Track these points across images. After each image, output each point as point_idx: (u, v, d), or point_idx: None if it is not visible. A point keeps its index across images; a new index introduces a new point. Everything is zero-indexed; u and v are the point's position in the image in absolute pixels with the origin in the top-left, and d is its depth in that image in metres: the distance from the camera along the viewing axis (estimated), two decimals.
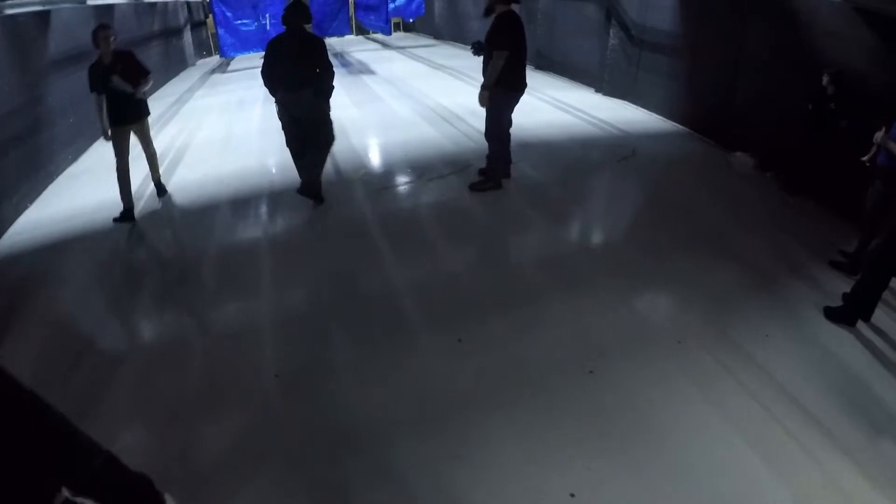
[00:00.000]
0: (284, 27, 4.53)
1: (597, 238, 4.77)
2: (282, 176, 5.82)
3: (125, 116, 4.82)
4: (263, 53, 4.57)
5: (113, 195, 5.12)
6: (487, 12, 4.65)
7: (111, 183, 5.11)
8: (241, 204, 5.38)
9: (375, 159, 6.34)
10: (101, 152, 7.56)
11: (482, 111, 5.00)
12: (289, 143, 4.84)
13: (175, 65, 14.54)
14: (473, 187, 5.21)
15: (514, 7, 4.62)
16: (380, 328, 3.37)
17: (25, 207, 5.78)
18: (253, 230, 4.96)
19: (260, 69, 4.59)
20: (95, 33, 4.60)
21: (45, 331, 3.57)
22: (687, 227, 4.55)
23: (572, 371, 2.88)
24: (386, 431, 2.54)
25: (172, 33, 14.61)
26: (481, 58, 4.85)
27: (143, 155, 5.33)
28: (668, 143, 6.76)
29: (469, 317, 3.41)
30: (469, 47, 5.25)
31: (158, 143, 7.28)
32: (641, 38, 7.88)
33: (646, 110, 7.96)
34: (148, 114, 5.07)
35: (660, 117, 7.65)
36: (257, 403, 2.80)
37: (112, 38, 4.59)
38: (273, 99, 4.71)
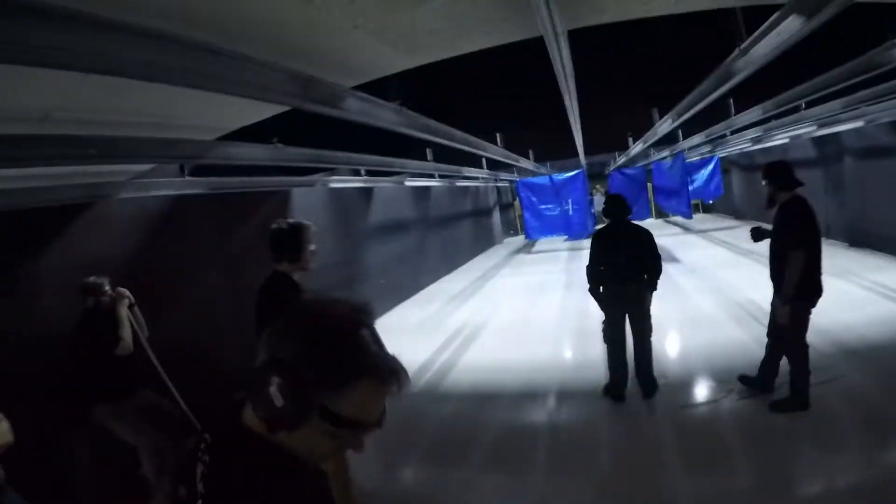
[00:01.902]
0: (608, 220, 4.51)
1: None
2: (574, 372, 5.32)
3: None
4: (590, 247, 4.50)
5: (408, 359, 5.46)
6: (770, 203, 3.89)
7: (410, 345, 5.56)
8: (526, 397, 4.89)
9: (676, 365, 5.34)
10: (406, 314, 8.49)
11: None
12: (609, 337, 4.51)
13: (484, 242, 16.33)
14: (776, 406, 3.94)
15: (800, 191, 3.80)
16: None
17: None
18: (532, 429, 4.35)
19: (586, 265, 4.48)
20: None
21: None
22: None
23: None
24: None
25: (483, 213, 16.65)
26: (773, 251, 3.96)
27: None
28: None
29: None
30: None
31: (456, 318, 7.91)
32: None
33: None
34: None
35: None
36: None
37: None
38: (588, 288, 4.52)
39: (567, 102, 3.59)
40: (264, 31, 1.99)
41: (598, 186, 20.83)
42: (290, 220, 2.89)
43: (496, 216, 18.17)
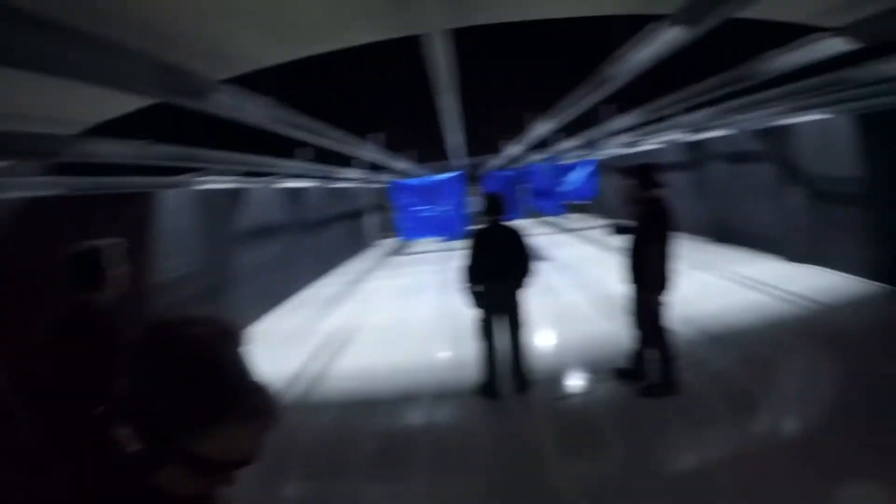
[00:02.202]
0: (485, 220, 4.59)
1: (798, 450, 3.33)
2: (450, 373, 5.33)
3: None
4: (470, 245, 4.53)
5: (279, 368, 5.55)
6: (633, 202, 4.22)
7: (281, 354, 5.58)
8: (401, 402, 4.87)
9: (549, 360, 5.44)
10: (277, 322, 8.14)
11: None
12: (483, 335, 4.62)
13: (358, 244, 16.16)
14: (647, 392, 4.33)
15: (660, 192, 4.17)
16: None
17: None
18: (411, 433, 4.36)
19: (462, 264, 4.53)
20: None
21: None
22: None
23: None
24: None
25: (357, 214, 16.48)
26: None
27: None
28: (872, 309, 5.86)
29: None
30: None
31: (329, 324, 7.71)
32: (825, 191, 7.13)
33: (843, 273, 6.97)
34: None
35: (859, 279, 6.67)
36: None
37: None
38: (463, 286, 4.58)
39: (445, 103, 3.65)
40: (128, 16, 1.81)
41: (474, 188, 21.58)
42: (87, 243, 2.52)
43: (372, 217, 18.08)
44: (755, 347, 5.15)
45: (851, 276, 6.83)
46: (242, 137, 4.48)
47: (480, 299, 4.52)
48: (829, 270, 7.26)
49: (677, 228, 4.17)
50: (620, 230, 4.45)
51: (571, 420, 4.17)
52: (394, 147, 6.49)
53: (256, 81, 3.00)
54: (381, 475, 3.69)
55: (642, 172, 4.17)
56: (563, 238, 15.21)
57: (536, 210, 19.17)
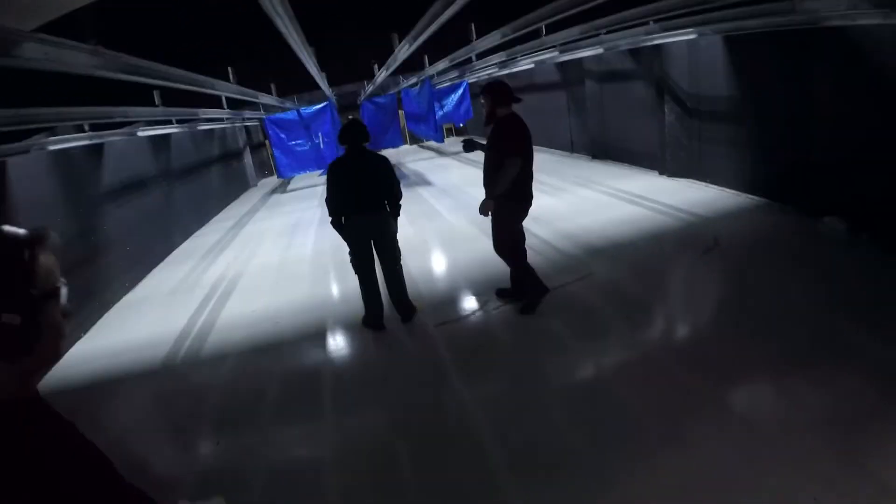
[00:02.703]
0: (343, 147, 4.36)
1: (687, 354, 3.88)
2: (335, 308, 5.42)
3: None
4: (325, 178, 4.35)
5: (166, 327, 5.40)
6: (489, 119, 4.22)
7: (166, 311, 5.66)
8: (293, 342, 4.86)
9: (433, 285, 5.61)
10: (160, 279, 7.76)
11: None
12: (358, 269, 4.51)
13: (236, 187, 15.36)
14: (524, 310, 4.51)
15: (516, 108, 4.20)
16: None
17: (78, 338, 5.81)
18: (309, 372, 4.34)
19: (324, 196, 4.37)
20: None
21: None
22: (787, 324, 3.73)
23: None
24: None
25: (232, 156, 15.56)
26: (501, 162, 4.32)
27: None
28: (748, 221, 6.05)
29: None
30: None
31: (212, 274, 7.49)
32: (698, 109, 7.41)
33: (717, 187, 7.30)
34: None
35: (733, 192, 6.98)
36: None
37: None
38: (330, 221, 4.44)
39: (283, 29, 3.44)
40: None
41: (350, 117, 20.91)
42: None
43: (247, 158, 17.13)
44: (636, 258, 5.37)
45: (725, 190, 7.06)
46: (94, 88, 4.03)
47: (350, 232, 4.38)
48: (704, 184, 7.50)
49: (530, 144, 4.18)
50: (470, 146, 4.53)
51: (457, 344, 4.24)
52: (245, 82, 6.13)
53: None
54: (287, 419, 3.73)
55: (492, 90, 4.16)
56: (443, 161, 15.40)
57: (415, 134, 19.11)
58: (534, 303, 4.50)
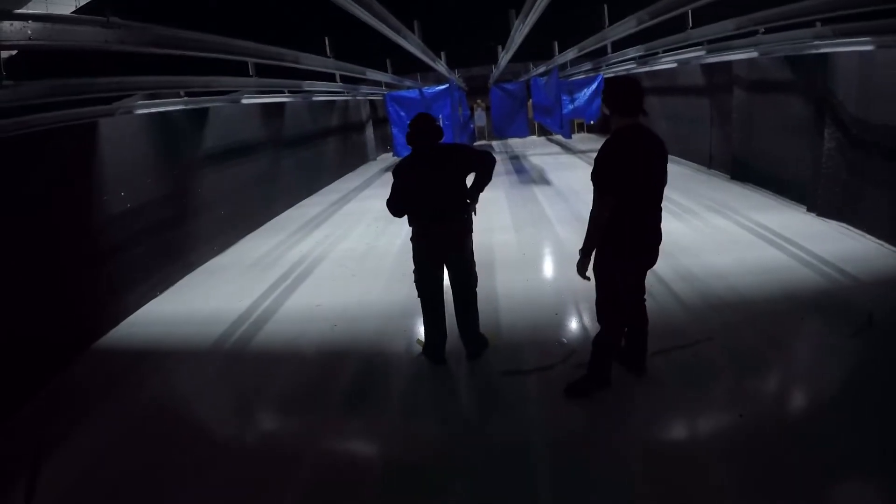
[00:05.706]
0: (412, 148, 3.57)
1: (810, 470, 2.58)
2: (398, 322, 4.70)
3: None
4: (394, 182, 3.59)
5: (231, 304, 5.38)
6: (606, 128, 2.96)
7: (239, 287, 5.64)
8: (339, 354, 4.25)
9: (517, 314, 4.61)
10: (248, 248, 7.65)
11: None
12: (422, 290, 3.73)
13: (354, 159, 15.39)
14: (570, 391, 3.34)
15: (640, 121, 2.89)
16: None
17: (153, 296, 5.85)
18: (336, 400, 3.65)
19: (386, 200, 3.67)
20: None
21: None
22: None
23: None
24: None
25: (353, 128, 15.56)
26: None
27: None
28: None
29: None
30: None
31: (297, 252, 7.25)
32: (864, 139, 5.79)
33: (876, 239, 5.56)
34: None
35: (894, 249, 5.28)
36: None
37: None
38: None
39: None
40: None
41: (479, 101, 20.25)
42: None
43: (369, 131, 17.16)
44: (767, 325, 4.01)
45: (885, 245, 5.39)
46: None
47: (415, 245, 3.66)
48: (860, 233, 5.84)
49: (650, 175, 2.92)
50: None
51: (506, 401, 3.39)
52: (348, 57, 5.62)
53: None
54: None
55: (612, 90, 2.94)
56: (568, 159, 14.15)
57: (543, 127, 17.99)
58: (586, 389, 3.33)
